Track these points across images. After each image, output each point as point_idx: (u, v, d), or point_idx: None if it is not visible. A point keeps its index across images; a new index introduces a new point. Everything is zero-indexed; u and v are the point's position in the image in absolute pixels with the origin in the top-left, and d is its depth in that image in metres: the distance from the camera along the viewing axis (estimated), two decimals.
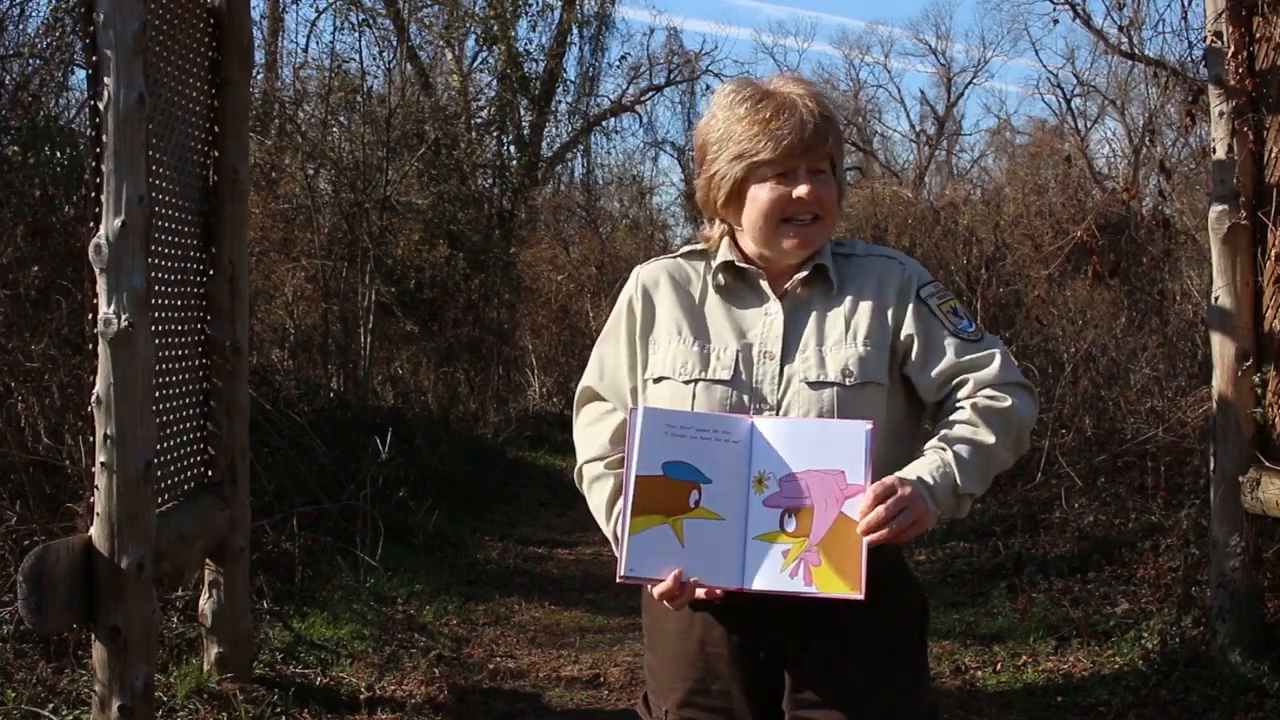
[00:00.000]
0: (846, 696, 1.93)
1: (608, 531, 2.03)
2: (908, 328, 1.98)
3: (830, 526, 1.83)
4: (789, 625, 1.94)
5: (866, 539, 1.80)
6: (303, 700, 4.38)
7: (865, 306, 1.99)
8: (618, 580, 1.88)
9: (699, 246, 2.12)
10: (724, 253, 2.06)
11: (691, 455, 1.88)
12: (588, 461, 2.10)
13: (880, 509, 1.80)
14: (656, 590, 1.87)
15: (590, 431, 2.13)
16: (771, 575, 1.84)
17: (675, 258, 2.13)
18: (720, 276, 2.06)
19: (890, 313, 1.99)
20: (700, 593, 1.87)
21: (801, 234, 1.98)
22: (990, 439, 1.91)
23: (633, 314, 2.09)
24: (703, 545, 1.86)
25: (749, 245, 2.05)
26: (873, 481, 1.82)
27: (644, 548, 1.86)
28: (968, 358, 1.97)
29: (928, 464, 1.89)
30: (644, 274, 2.12)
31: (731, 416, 1.94)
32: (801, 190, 1.96)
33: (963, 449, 1.89)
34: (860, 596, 1.80)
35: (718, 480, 1.88)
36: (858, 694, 1.93)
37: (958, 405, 1.94)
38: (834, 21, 59.03)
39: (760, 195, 1.98)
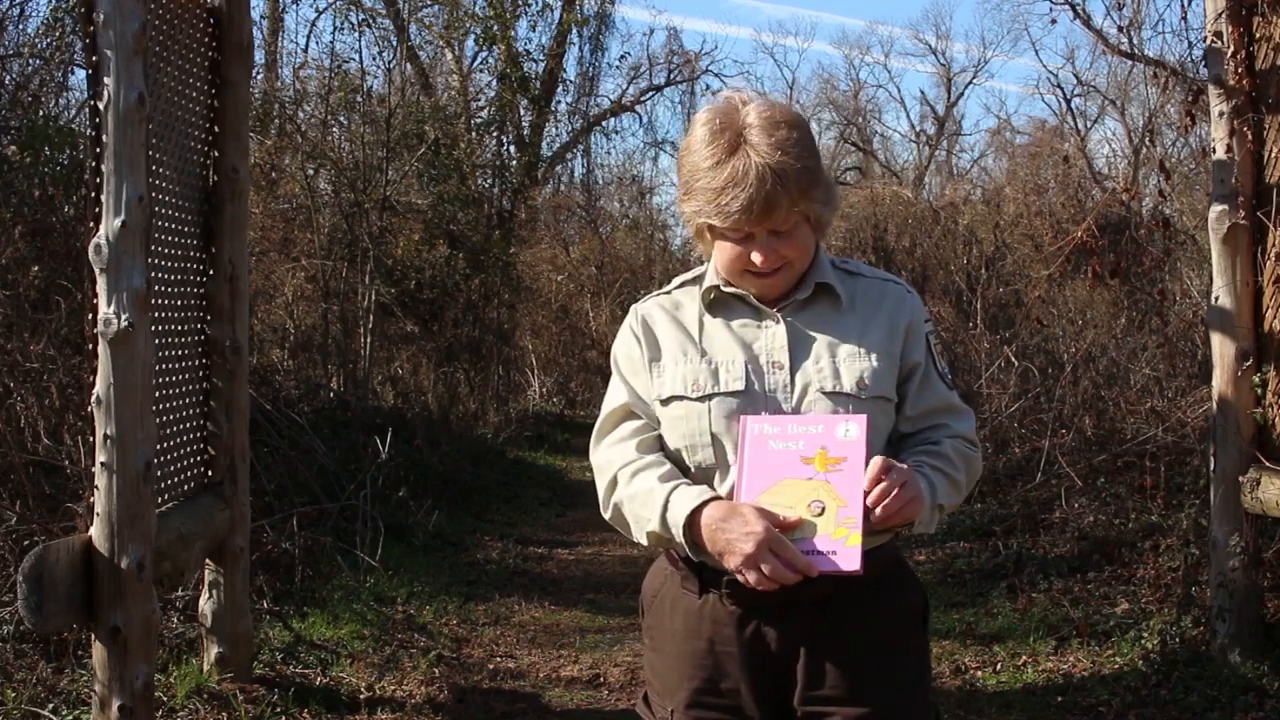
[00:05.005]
0: (857, 690, 1.95)
1: (653, 517, 1.93)
2: (914, 354, 2.04)
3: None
4: (798, 623, 1.96)
5: (870, 514, 1.84)
6: (303, 700, 4.38)
7: (878, 325, 2.02)
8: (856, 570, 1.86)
9: (690, 275, 2.14)
10: (711, 276, 2.07)
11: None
12: (623, 466, 2.02)
13: (885, 484, 1.85)
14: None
15: (621, 448, 2.05)
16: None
17: (667, 292, 2.15)
18: (713, 296, 2.07)
19: (900, 335, 2.03)
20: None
21: (762, 284, 2.01)
22: (960, 478, 2.01)
23: (638, 339, 2.09)
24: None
25: None
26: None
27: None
28: (950, 403, 2.06)
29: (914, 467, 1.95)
30: (640, 308, 2.14)
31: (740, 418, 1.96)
32: (757, 257, 1.97)
33: (937, 474, 1.96)
34: (859, 570, 1.83)
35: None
36: (868, 688, 1.96)
37: (934, 440, 2.02)
38: (834, 21, 59.17)
39: (722, 249, 2.01)
